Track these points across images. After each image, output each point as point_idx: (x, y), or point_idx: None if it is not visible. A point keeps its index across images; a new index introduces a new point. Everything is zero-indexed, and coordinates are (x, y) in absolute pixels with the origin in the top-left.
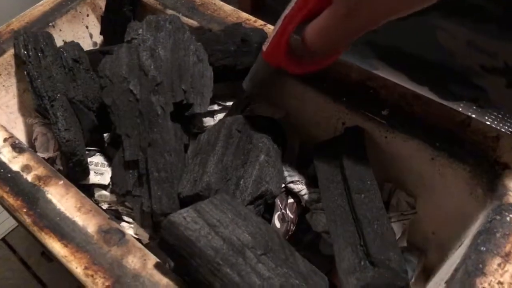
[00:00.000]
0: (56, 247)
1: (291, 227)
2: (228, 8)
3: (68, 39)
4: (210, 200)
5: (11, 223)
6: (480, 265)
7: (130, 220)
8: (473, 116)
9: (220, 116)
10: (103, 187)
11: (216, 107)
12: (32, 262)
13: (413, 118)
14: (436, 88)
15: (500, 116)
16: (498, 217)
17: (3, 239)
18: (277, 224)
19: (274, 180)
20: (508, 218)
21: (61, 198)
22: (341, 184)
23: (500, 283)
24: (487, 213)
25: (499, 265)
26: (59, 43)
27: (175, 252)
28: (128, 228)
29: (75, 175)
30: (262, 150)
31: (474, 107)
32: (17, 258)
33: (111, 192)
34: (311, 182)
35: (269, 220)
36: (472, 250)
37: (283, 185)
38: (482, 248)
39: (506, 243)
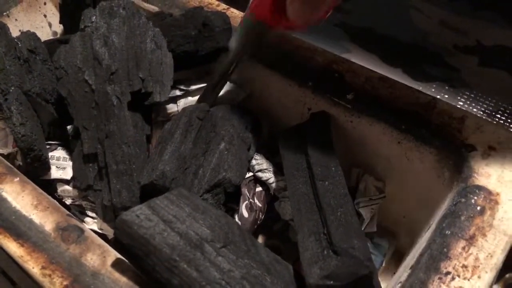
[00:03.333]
0: (12, 247)
1: (260, 216)
2: None
3: (26, 29)
4: (166, 195)
5: None
6: (445, 249)
7: (94, 215)
8: (446, 96)
9: (183, 101)
10: (65, 181)
11: (178, 92)
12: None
13: (378, 102)
14: (409, 69)
15: (472, 95)
16: (463, 200)
17: None
18: (245, 214)
19: (233, 169)
20: (472, 201)
21: (17, 196)
22: (306, 172)
23: (464, 266)
24: (453, 195)
25: (463, 248)
26: (16, 33)
27: (130, 252)
28: (92, 223)
29: (35, 170)
30: (224, 138)
31: (447, 87)
32: None
33: (73, 187)
34: (279, 170)
35: (237, 210)
36: (437, 234)
37: (251, 174)
38: (447, 231)
39: (470, 226)
